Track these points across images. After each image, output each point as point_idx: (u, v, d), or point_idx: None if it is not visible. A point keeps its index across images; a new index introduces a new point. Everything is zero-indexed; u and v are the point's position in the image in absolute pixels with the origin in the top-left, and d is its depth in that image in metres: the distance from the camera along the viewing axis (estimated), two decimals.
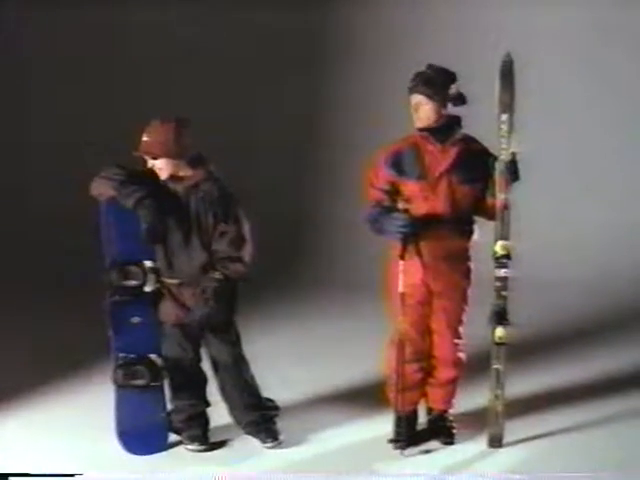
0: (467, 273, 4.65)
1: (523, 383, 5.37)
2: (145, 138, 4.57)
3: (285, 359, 6.12)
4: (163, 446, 4.80)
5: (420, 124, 4.55)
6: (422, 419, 4.91)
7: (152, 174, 4.60)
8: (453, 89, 4.52)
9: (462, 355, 4.75)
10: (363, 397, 5.36)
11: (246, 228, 4.60)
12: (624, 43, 8.68)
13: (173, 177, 4.59)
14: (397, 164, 4.56)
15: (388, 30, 9.21)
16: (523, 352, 5.81)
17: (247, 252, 4.58)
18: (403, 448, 4.65)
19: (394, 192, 4.60)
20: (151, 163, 4.58)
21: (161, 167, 4.57)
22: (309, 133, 9.55)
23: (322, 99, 9.62)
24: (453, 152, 4.55)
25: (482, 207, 4.63)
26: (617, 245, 8.34)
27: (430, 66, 4.58)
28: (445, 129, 4.55)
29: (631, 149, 8.73)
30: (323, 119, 9.63)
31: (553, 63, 8.69)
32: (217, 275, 4.56)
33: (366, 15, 9.30)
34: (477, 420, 4.87)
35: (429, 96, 4.50)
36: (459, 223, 4.59)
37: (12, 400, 5.43)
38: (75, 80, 9.80)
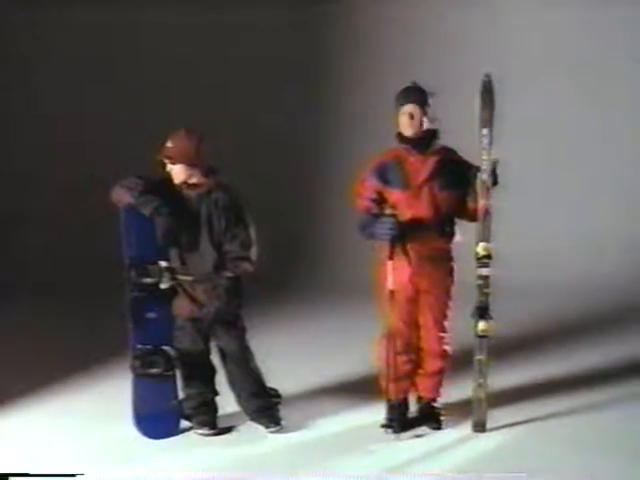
0: (450, 272, 4.96)
1: (506, 376, 5.70)
2: (168, 144, 4.92)
3: (287, 353, 6.41)
4: (175, 431, 5.10)
5: (411, 132, 4.85)
6: (412, 408, 5.19)
7: (168, 183, 4.96)
8: (431, 105, 4.88)
9: (448, 347, 5.05)
10: (358, 387, 5.65)
11: (253, 231, 4.97)
12: (602, 56, 9.01)
13: (187, 184, 4.95)
14: (382, 175, 4.88)
15: (383, 44, 9.46)
16: (507, 348, 6.18)
17: (254, 253, 4.95)
18: (397, 432, 4.95)
19: (381, 200, 4.91)
20: (169, 167, 4.94)
21: (177, 172, 4.93)
22: (308, 138, 9.63)
23: (322, 100, 9.70)
24: (432, 162, 4.87)
25: (463, 210, 4.93)
26: (596, 250, 8.66)
27: (414, 82, 4.91)
28: (425, 141, 4.87)
29: (610, 157, 9.03)
30: (323, 124, 9.70)
31: (535, 76, 9.05)
32: (228, 273, 4.92)
33: (364, 21, 9.54)
34: (463, 408, 5.15)
35: (421, 106, 4.85)
36: (442, 226, 4.89)
37: (29, 393, 5.76)
38: (76, 81, 9.86)
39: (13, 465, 4.68)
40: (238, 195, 5.01)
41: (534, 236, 8.85)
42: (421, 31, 9.36)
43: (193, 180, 4.97)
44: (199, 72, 9.71)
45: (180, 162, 4.92)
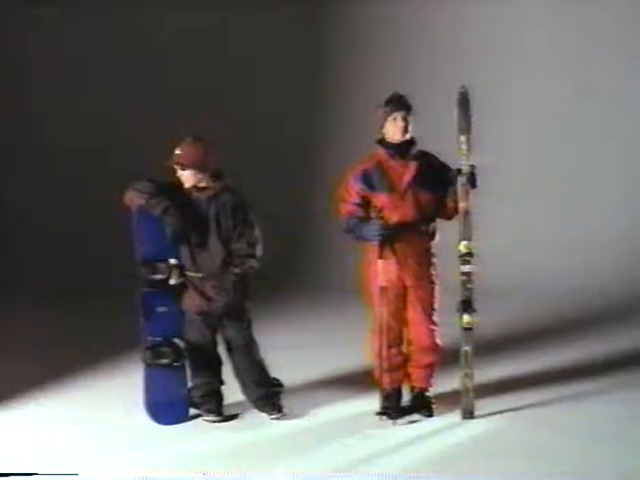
0: (433, 267, 5.26)
1: (493, 370, 5.99)
2: (178, 152, 5.26)
3: (289, 348, 6.70)
4: (185, 418, 5.37)
5: (400, 137, 5.14)
6: (406, 398, 5.43)
7: (177, 186, 5.28)
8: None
9: (439, 341, 5.31)
10: (354, 379, 5.92)
11: (257, 231, 5.30)
12: (594, 57, 9.25)
13: (197, 187, 5.28)
14: (367, 180, 5.17)
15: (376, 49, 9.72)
16: (497, 344, 6.53)
17: (259, 251, 5.29)
18: (395, 419, 5.22)
19: (365, 204, 5.20)
20: (179, 173, 5.27)
21: (187, 177, 5.26)
22: (308, 138, 9.81)
23: (322, 101, 9.88)
24: (413, 166, 5.17)
25: (442, 210, 5.25)
26: (578, 252, 8.89)
27: (398, 92, 5.23)
28: (407, 147, 5.19)
29: (586, 160, 9.23)
30: (323, 126, 9.89)
31: (527, 74, 9.35)
32: (236, 270, 5.25)
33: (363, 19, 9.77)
34: (453, 397, 5.38)
35: (408, 112, 5.17)
36: (425, 226, 5.21)
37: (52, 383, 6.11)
38: (75, 81, 10.11)
39: (32, 452, 4.92)
40: (244, 197, 5.34)
41: (531, 237, 9.06)
42: (418, 33, 9.60)
43: (202, 184, 5.29)
44: (197, 73, 9.84)
45: (189, 168, 5.25)
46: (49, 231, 9.82)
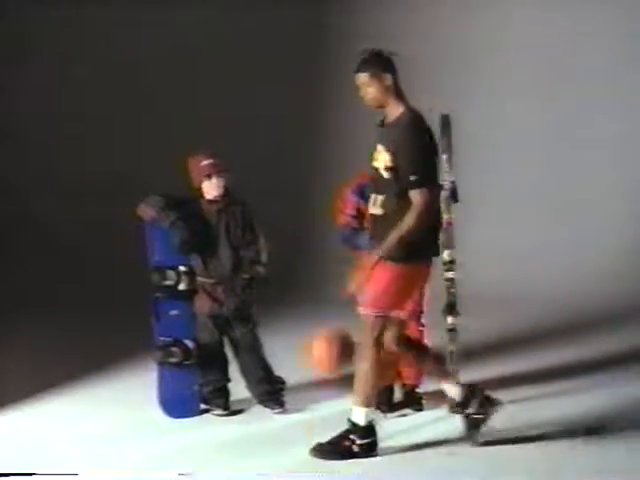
0: None
1: (478, 370, 6.27)
2: (207, 162, 5.63)
3: (291, 348, 6.58)
4: (195, 412, 5.70)
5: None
6: (397, 395, 5.74)
7: (188, 200, 5.69)
8: None
9: (427, 341, 5.63)
10: (350, 377, 5.75)
11: (263, 239, 5.73)
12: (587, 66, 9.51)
13: (209, 200, 5.67)
14: (362, 194, 5.52)
15: None
16: (478, 347, 6.83)
17: (265, 257, 5.70)
18: (386, 412, 5.58)
19: (360, 216, 5.56)
20: (207, 183, 5.64)
21: (215, 185, 5.65)
22: (310, 151, 10.00)
23: (323, 106, 10.01)
24: None
25: None
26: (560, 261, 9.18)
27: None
28: None
29: (576, 169, 9.43)
30: (325, 132, 10.06)
31: (529, 82, 9.61)
32: (245, 275, 5.66)
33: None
34: (442, 394, 5.50)
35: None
36: None
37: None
38: (76, 79, 10.28)
39: (32, 453, 5.09)
40: (251, 209, 5.76)
41: (519, 246, 9.30)
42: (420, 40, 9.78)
43: (219, 195, 5.69)
44: (198, 77, 10.00)
45: (222, 173, 5.65)
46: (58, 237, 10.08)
